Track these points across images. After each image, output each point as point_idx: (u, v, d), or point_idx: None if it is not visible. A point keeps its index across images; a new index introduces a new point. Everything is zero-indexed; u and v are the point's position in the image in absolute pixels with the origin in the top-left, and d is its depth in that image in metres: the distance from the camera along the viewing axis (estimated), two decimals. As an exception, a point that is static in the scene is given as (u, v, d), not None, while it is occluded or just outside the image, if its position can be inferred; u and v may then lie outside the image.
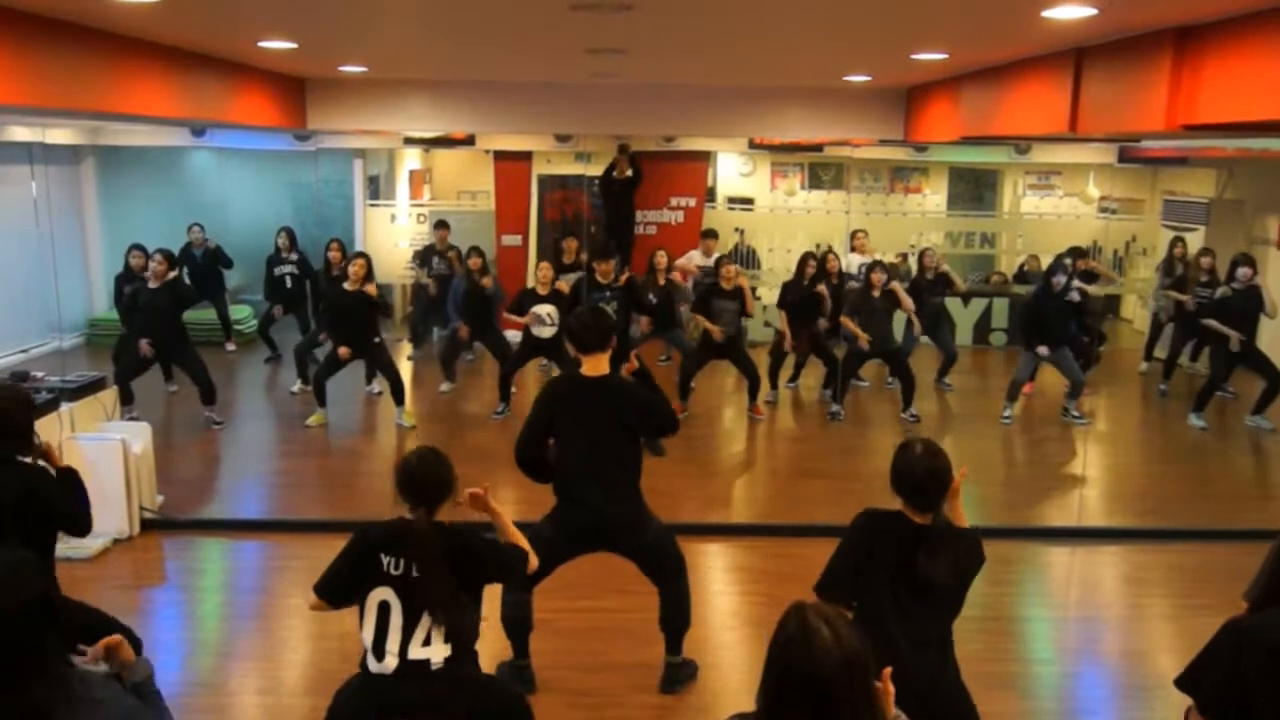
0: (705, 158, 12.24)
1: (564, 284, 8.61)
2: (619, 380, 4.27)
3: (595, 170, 11.44)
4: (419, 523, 3.10)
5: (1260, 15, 3.81)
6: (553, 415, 4.18)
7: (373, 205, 12.06)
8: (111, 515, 5.81)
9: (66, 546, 4.57)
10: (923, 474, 2.99)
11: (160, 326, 8.02)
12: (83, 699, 2.10)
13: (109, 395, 6.57)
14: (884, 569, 3.00)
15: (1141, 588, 5.90)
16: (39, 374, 6.42)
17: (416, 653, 3.06)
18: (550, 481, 4.25)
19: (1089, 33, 4.84)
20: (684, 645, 4.49)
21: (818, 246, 10.52)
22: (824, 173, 13.15)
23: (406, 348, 11.07)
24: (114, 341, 9.19)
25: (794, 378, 9.83)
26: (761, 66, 7.00)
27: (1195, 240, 10.96)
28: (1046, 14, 4.27)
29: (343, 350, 8.14)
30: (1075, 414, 8.87)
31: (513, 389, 8.77)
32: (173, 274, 8.15)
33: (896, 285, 8.93)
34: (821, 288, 8.98)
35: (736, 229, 12.51)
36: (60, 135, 10.63)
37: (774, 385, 9.30)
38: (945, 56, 6.17)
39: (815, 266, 9.01)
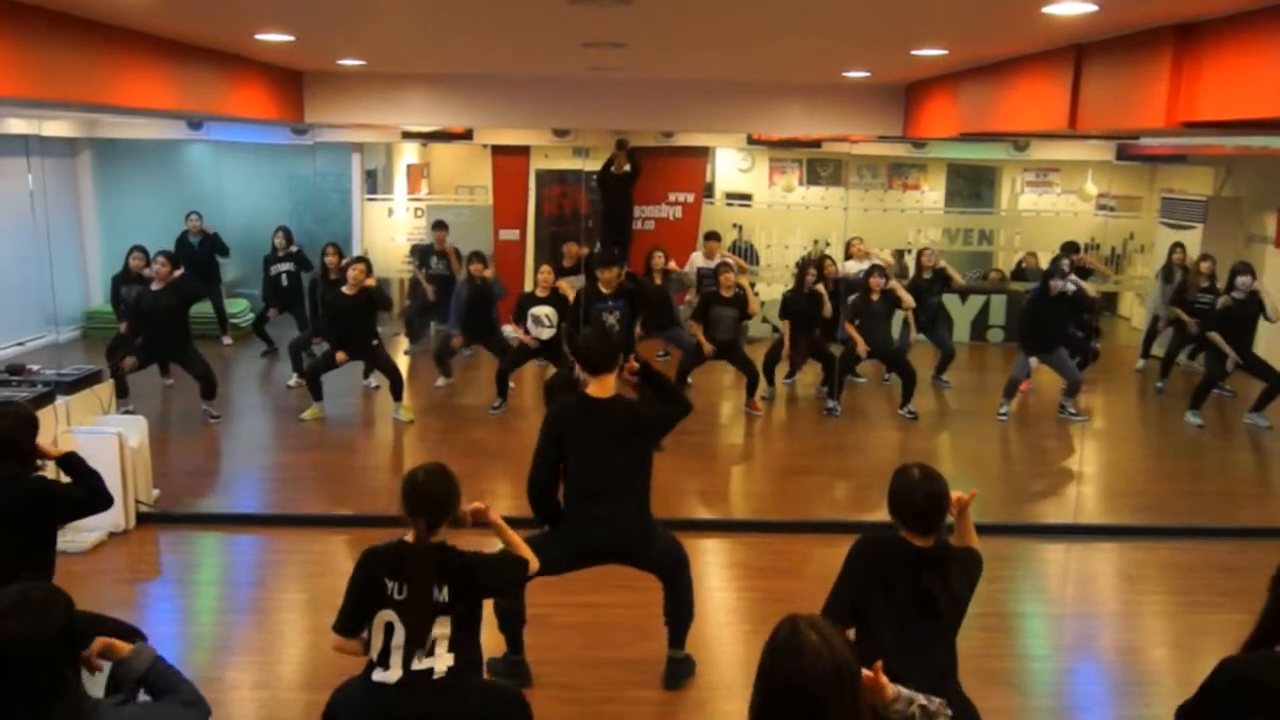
0: (703, 153, 12.23)
1: (565, 285, 8.60)
2: (625, 401, 4.23)
3: (593, 165, 11.43)
4: (418, 545, 3.11)
5: (1260, 13, 3.80)
6: (560, 442, 4.11)
7: (370, 199, 12.02)
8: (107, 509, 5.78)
9: (62, 540, 4.55)
10: (923, 499, 2.99)
11: (166, 330, 7.98)
12: None
13: (105, 389, 6.54)
14: (887, 595, 2.99)
15: (1137, 584, 5.91)
16: (35, 367, 6.37)
17: (420, 664, 3.09)
18: (558, 522, 4.18)
19: (1089, 29, 4.83)
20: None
21: (815, 244, 10.53)
22: (822, 169, 13.15)
23: (403, 342, 11.07)
24: (110, 335, 9.18)
25: (791, 374, 9.84)
26: (760, 62, 6.98)
27: (1193, 237, 10.98)
28: (1046, 10, 4.26)
29: (340, 355, 8.15)
30: (1072, 411, 8.89)
31: (510, 384, 8.79)
32: (177, 273, 8.12)
33: (895, 284, 8.96)
34: (820, 287, 9.01)
35: (734, 225, 12.51)
36: (57, 128, 10.58)
37: (770, 382, 9.30)
38: (945, 52, 6.16)
39: (815, 275, 9.05)
